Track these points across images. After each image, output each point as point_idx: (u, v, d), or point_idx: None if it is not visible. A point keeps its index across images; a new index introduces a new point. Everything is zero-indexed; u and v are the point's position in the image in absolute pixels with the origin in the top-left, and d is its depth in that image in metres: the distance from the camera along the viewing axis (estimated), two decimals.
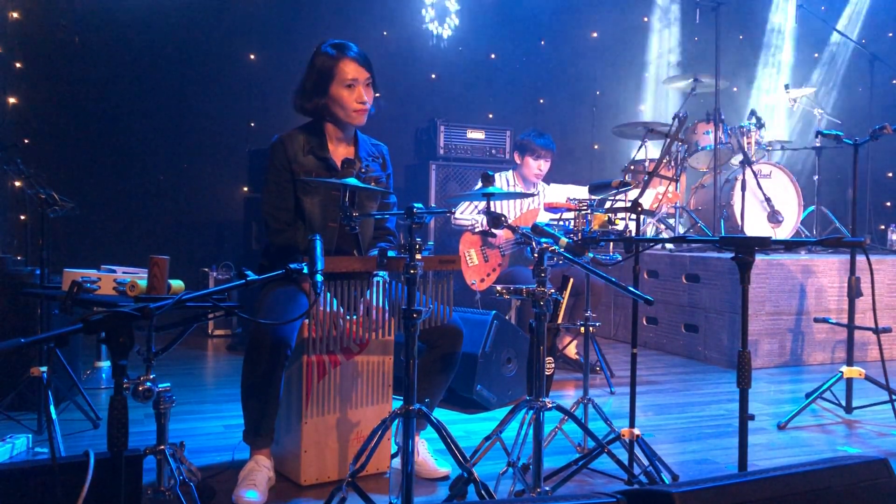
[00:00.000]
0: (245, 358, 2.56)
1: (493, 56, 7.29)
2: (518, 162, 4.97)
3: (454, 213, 4.72)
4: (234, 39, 6.27)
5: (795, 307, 5.04)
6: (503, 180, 4.94)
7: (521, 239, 2.39)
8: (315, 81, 2.79)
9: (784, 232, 5.72)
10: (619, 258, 2.86)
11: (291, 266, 1.92)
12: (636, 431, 2.71)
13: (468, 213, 4.77)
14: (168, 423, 2.16)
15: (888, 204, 7.51)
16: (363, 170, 2.82)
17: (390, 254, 2.28)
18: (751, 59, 7.78)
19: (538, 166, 4.88)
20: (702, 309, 5.17)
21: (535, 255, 2.29)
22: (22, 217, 5.28)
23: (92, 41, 5.81)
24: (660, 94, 7.64)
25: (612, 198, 3.21)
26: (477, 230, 4.69)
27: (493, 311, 3.85)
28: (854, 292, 3.73)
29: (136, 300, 2.20)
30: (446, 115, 6.00)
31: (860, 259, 3.90)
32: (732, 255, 2.01)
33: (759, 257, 4.74)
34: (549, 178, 5.05)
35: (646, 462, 2.69)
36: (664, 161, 4.20)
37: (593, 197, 3.13)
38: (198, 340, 5.53)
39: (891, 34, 7.72)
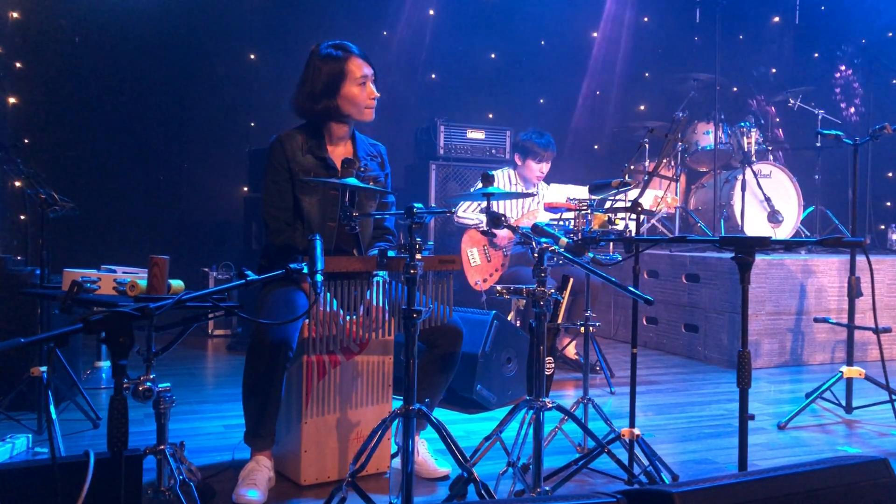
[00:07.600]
0: (246, 359, 2.56)
1: (493, 56, 7.29)
2: (518, 163, 4.88)
3: (454, 212, 4.69)
4: (234, 39, 6.26)
5: (795, 307, 5.04)
6: (505, 177, 4.89)
7: (521, 239, 2.39)
8: (325, 83, 2.77)
9: (784, 232, 5.72)
10: (619, 258, 2.86)
11: (291, 266, 1.92)
12: (636, 431, 2.71)
13: (471, 212, 4.73)
14: (168, 423, 2.17)
15: (888, 204, 7.50)
16: (362, 169, 2.82)
17: (390, 254, 2.28)
18: (751, 59, 7.77)
19: (540, 169, 4.83)
20: (702, 309, 5.17)
21: (535, 254, 2.28)
22: (22, 217, 5.27)
23: (92, 41, 5.81)
24: (660, 94, 7.63)
25: (612, 198, 3.21)
26: (482, 227, 4.66)
27: (493, 311, 3.84)
28: (854, 292, 3.73)
29: (136, 300, 2.20)
30: (446, 115, 5.99)
31: (860, 259, 3.90)
32: (732, 255, 2.01)
33: (759, 257, 4.74)
34: (549, 178, 5.03)
35: (646, 462, 2.69)
36: (664, 161, 4.20)
37: (593, 197, 3.13)
38: (198, 340, 5.52)
39: (891, 34, 7.71)
